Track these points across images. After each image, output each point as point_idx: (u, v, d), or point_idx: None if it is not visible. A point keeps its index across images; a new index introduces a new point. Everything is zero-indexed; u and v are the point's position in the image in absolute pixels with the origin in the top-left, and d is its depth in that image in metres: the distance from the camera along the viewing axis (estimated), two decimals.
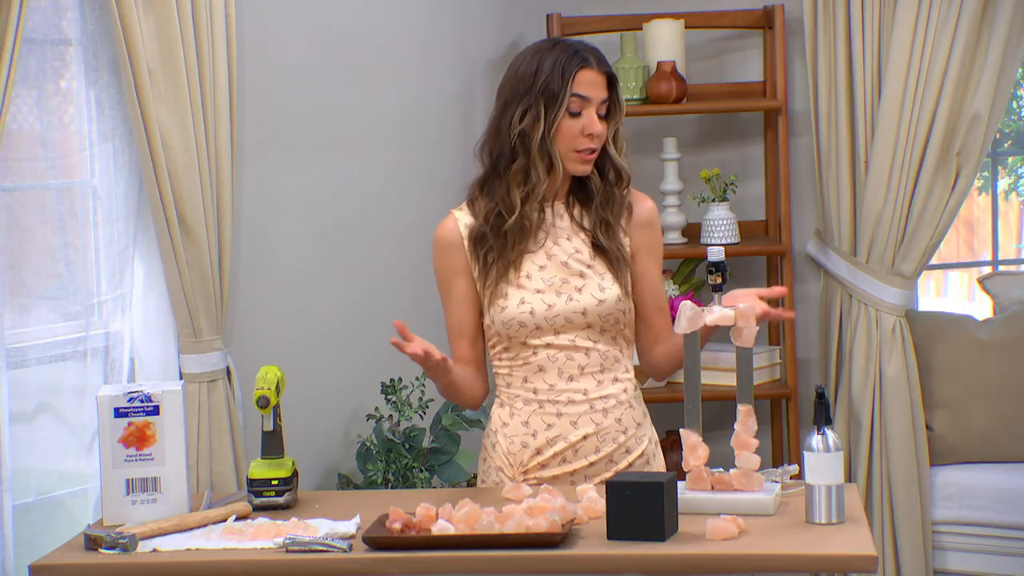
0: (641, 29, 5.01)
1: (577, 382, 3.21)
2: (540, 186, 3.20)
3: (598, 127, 3.17)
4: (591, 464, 3.22)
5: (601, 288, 3.20)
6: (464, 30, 4.92)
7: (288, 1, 4.31)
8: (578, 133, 3.17)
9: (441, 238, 3.29)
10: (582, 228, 3.24)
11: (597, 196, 3.24)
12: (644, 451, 3.25)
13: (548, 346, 3.20)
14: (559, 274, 3.21)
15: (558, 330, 3.20)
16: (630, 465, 3.23)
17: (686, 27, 5.00)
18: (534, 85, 3.17)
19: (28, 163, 3.68)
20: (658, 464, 3.30)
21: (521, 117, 3.18)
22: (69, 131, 3.76)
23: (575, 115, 3.17)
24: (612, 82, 3.21)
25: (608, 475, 3.20)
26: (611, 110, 3.21)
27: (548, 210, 3.25)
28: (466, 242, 3.26)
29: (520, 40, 5.09)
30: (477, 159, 3.29)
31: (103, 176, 3.79)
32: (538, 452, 3.22)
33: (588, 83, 3.17)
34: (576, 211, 3.26)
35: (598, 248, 3.22)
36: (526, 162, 3.19)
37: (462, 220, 3.28)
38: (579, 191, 3.26)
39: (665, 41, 4.96)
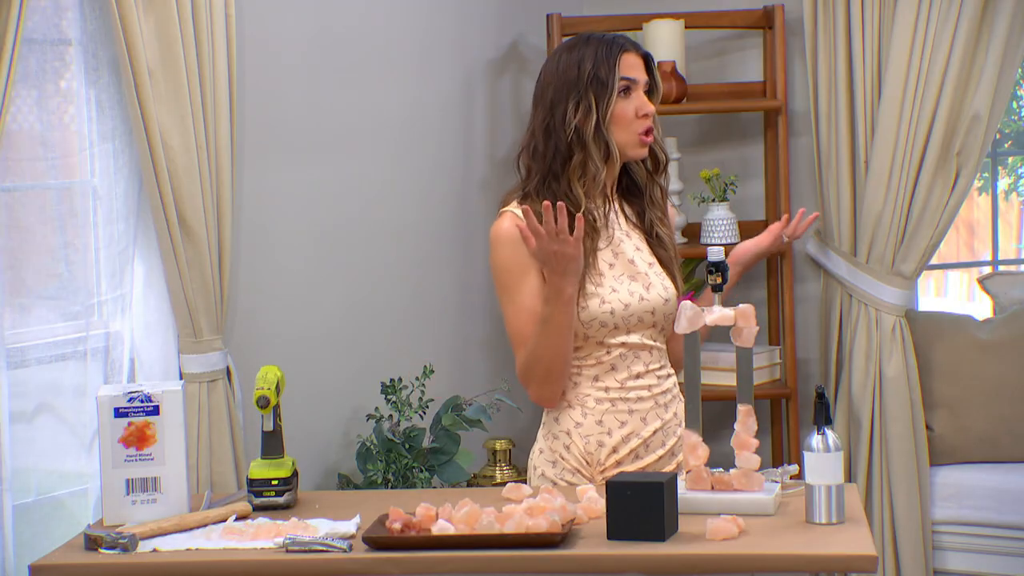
0: (641, 29, 5.01)
1: (643, 379, 3.26)
2: (600, 175, 3.22)
3: (651, 106, 3.23)
4: (659, 458, 3.26)
5: (665, 288, 3.27)
6: (464, 30, 4.92)
7: (288, 1, 4.31)
8: (633, 116, 3.22)
9: (511, 233, 3.19)
10: (636, 225, 3.30)
11: (648, 189, 3.30)
12: None
13: (622, 345, 3.24)
14: (626, 271, 3.25)
15: (631, 329, 3.24)
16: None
17: (686, 27, 5.00)
18: (580, 78, 3.20)
19: (28, 163, 3.68)
20: None
21: (575, 112, 3.20)
22: (69, 131, 3.76)
23: (626, 99, 3.21)
24: (649, 63, 3.26)
25: (671, 467, 3.26)
26: (652, 92, 3.27)
27: (611, 205, 3.28)
28: None
29: (520, 40, 5.09)
30: (515, 169, 3.30)
31: (103, 176, 3.79)
32: (614, 450, 3.25)
33: (632, 65, 3.23)
34: (626, 208, 3.31)
35: (652, 245, 3.29)
36: (583, 155, 3.21)
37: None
38: (626, 189, 3.31)
39: (665, 41, 4.96)
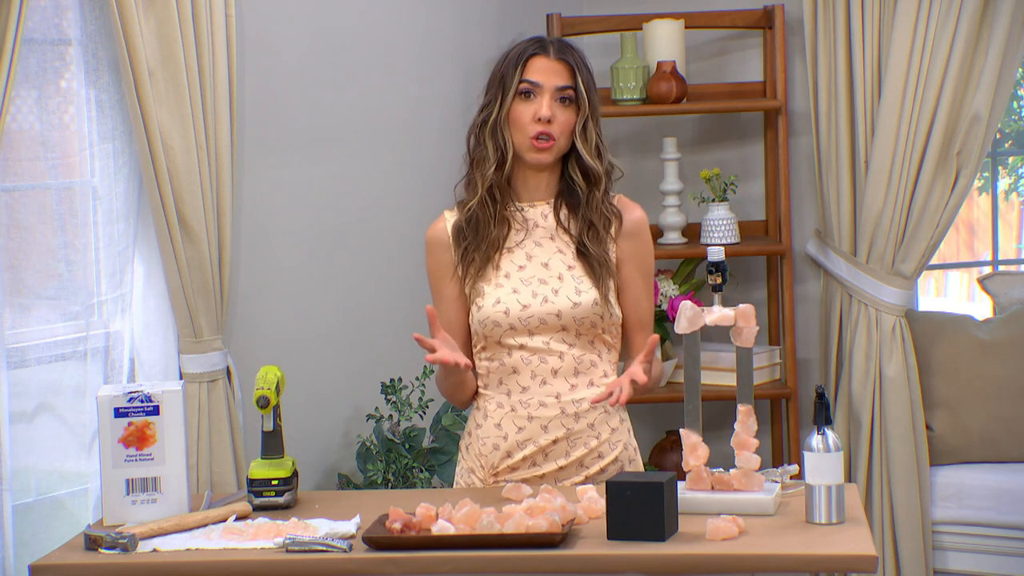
0: (641, 29, 5.01)
1: (549, 385, 3.21)
2: (489, 171, 3.23)
3: (545, 111, 3.19)
4: (561, 468, 3.22)
5: (578, 291, 3.20)
6: (464, 30, 4.92)
7: (288, 1, 4.31)
8: (528, 120, 3.20)
9: (430, 238, 3.32)
10: (567, 231, 3.25)
11: (583, 198, 3.25)
12: (618, 457, 3.24)
13: (522, 347, 3.20)
14: (537, 275, 3.22)
15: (532, 331, 3.20)
16: (602, 471, 3.22)
17: (686, 27, 5.00)
18: (495, 76, 3.27)
19: (28, 163, 3.68)
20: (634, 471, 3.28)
21: (482, 108, 3.26)
22: (69, 131, 3.77)
23: (527, 101, 3.20)
24: (574, 72, 3.22)
25: (578, 479, 3.22)
26: (579, 103, 3.22)
27: (532, 210, 3.26)
28: (451, 240, 3.27)
29: (520, 40, 5.08)
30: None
31: (103, 176, 3.79)
32: (508, 455, 3.22)
33: (540, 69, 3.22)
34: (563, 214, 3.26)
35: (581, 252, 3.23)
36: (483, 150, 3.24)
37: (450, 220, 3.30)
38: (567, 195, 3.27)
39: (665, 41, 4.95)
